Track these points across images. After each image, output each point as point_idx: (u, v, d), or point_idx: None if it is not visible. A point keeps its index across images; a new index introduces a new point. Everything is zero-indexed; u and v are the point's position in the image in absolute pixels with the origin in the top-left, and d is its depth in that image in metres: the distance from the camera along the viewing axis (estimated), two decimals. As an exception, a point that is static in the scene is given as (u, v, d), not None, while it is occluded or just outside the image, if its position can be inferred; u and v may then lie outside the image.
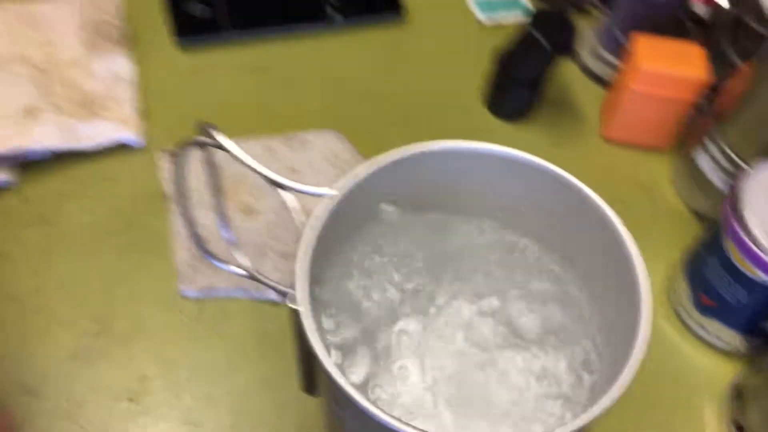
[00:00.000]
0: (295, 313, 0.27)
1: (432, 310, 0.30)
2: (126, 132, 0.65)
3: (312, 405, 0.48)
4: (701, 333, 0.61)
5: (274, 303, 0.59)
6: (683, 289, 0.61)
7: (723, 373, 0.60)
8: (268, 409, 0.54)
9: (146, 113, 0.69)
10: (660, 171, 0.73)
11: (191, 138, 0.31)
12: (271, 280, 0.37)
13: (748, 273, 0.54)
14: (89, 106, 0.67)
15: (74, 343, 0.56)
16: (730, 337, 0.60)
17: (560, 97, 0.77)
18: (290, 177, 0.65)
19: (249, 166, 0.30)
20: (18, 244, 0.60)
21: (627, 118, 0.71)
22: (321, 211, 0.27)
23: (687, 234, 0.66)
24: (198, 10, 0.76)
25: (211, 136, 0.30)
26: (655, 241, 0.66)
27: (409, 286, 0.32)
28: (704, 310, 0.60)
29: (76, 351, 0.56)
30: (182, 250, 0.60)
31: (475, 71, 0.74)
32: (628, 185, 0.71)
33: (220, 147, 0.30)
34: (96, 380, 0.54)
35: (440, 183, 0.30)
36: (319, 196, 0.28)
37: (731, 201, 0.55)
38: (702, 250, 0.59)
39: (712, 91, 0.68)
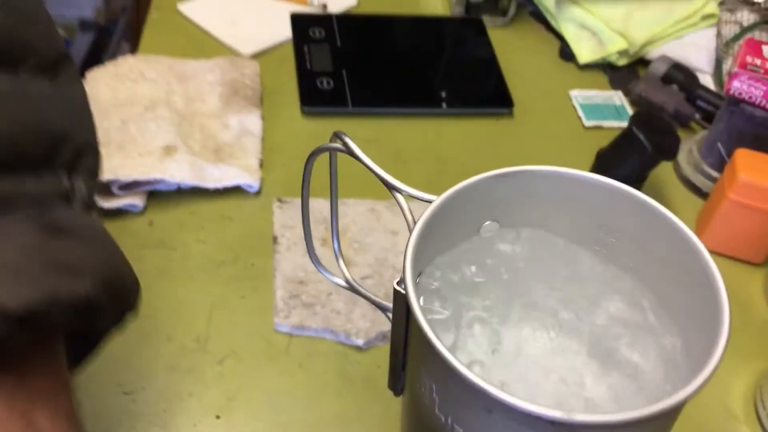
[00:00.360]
0: (398, 296, 0.30)
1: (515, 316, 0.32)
2: (247, 178, 0.72)
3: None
4: (785, 445, 0.59)
5: (358, 349, 0.62)
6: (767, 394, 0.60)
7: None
8: (339, 446, 0.56)
9: (266, 165, 0.75)
10: (754, 283, 0.73)
11: (324, 144, 0.36)
12: (368, 292, 0.40)
13: (838, 383, 0.53)
14: (219, 153, 0.74)
15: (173, 356, 0.60)
16: (816, 453, 0.58)
17: (657, 198, 0.79)
18: (390, 239, 0.70)
19: (370, 168, 0.34)
20: (138, 261, 0.65)
21: (722, 228, 0.72)
22: (426, 213, 0.30)
23: (779, 349, 0.65)
24: (324, 83, 0.83)
25: (342, 141, 0.34)
26: (744, 351, 0.66)
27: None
28: (789, 420, 0.58)
29: (174, 363, 0.60)
30: (282, 288, 0.64)
31: (575, 167, 0.78)
32: (719, 293, 0.71)
33: (348, 150, 0.34)
34: (189, 393, 0.58)
35: (539, 205, 0.33)
36: (427, 201, 0.31)
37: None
38: (791, 357, 0.59)
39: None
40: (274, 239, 0.68)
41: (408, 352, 0.30)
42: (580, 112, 0.87)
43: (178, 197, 0.71)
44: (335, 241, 0.45)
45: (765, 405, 0.61)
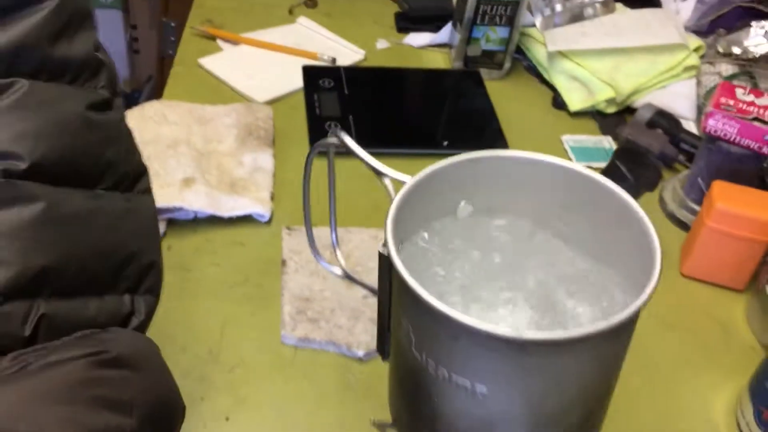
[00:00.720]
0: (382, 258, 0.35)
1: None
2: (259, 208, 0.78)
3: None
4: (764, 453, 0.62)
5: (359, 360, 0.66)
6: (747, 408, 0.63)
7: (785, 496, 0.60)
8: (340, 447, 0.60)
9: (277, 198, 0.81)
10: (736, 308, 0.77)
11: (323, 140, 0.42)
12: (367, 283, 0.45)
13: (806, 386, 0.57)
14: (234, 186, 0.80)
15: (187, 365, 0.65)
16: (793, 459, 0.61)
17: (643, 233, 0.84)
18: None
19: (360, 157, 0.39)
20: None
21: (703, 255, 0.77)
22: (403, 190, 0.36)
23: (758, 365, 0.69)
24: (332, 126, 0.90)
25: (338, 136, 0.40)
26: (726, 368, 0.70)
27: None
28: (766, 425, 0.61)
29: (188, 372, 0.64)
30: (289, 304, 0.69)
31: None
32: (703, 318, 0.76)
33: (343, 144, 0.40)
34: (201, 398, 0.62)
35: (507, 187, 0.38)
36: (404, 182, 0.37)
37: (792, 318, 0.59)
38: (766, 365, 0.62)
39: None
40: (283, 262, 0.74)
41: (391, 307, 0.35)
42: (571, 155, 0.93)
43: (195, 225, 0.77)
44: (333, 234, 0.50)
45: (744, 415, 0.64)
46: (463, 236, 0.39)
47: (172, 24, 1.83)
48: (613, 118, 0.99)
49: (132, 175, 0.44)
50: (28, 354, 0.35)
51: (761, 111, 0.79)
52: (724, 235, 0.75)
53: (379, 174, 0.39)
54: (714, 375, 0.70)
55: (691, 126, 0.96)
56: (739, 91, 0.81)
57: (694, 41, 1.01)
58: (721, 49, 1.00)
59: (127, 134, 0.45)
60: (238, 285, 0.72)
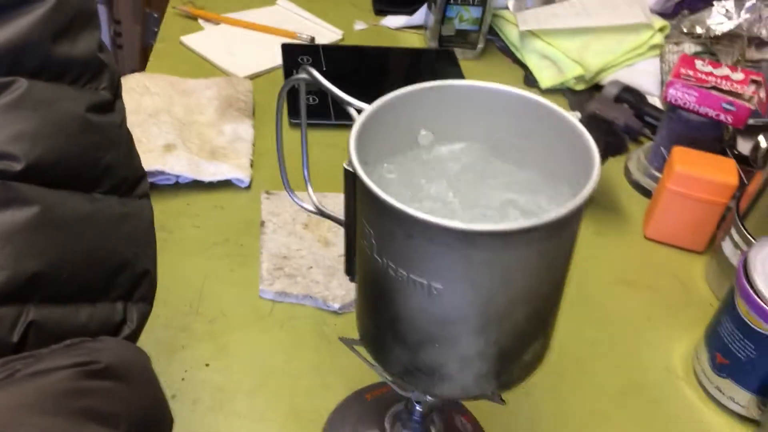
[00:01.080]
0: (347, 174, 0.38)
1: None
2: (239, 174, 0.80)
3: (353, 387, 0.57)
4: (718, 396, 0.66)
5: (334, 313, 0.69)
6: (703, 353, 0.67)
7: (737, 434, 0.64)
8: (315, 389, 0.63)
9: (256, 165, 0.84)
10: (696, 268, 0.80)
11: (294, 76, 0.45)
12: (336, 216, 0.48)
13: (756, 327, 0.61)
14: (214, 153, 0.83)
15: (168, 316, 0.67)
16: (744, 399, 0.64)
17: (609, 201, 0.88)
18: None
19: (328, 89, 0.42)
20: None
21: (664, 218, 0.81)
22: (365, 112, 0.39)
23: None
24: (310, 100, 0.93)
25: (308, 72, 0.43)
26: (685, 324, 0.73)
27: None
28: (720, 369, 0.65)
29: (169, 322, 0.67)
30: (267, 261, 0.72)
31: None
32: (665, 278, 0.79)
33: (313, 78, 0.43)
34: (182, 346, 0.65)
35: (465, 115, 0.41)
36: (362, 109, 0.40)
37: (743, 266, 0.63)
38: (719, 313, 0.66)
39: (739, 193, 0.77)
40: (262, 223, 0.76)
41: (356, 224, 0.38)
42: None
43: (176, 190, 0.80)
44: (305, 170, 0.53)
45: (700, 361, 0.68)
46: (424, 165, 0.41)
47: (155, 15, 1.86)
48: (582, 95, 1.03)
49: (131, 180, 0.43)
50: (16, 361, 0.34)
51: (719, 81, 0.82)
52: (684, 197, 0.78)
53: (344, 103, 0.41)
54: (673, 329, 0.73)
55: (656, 101, 1.00)
56: (698, 63, 0.85)
57: (659, 21, 1.05)
58: (684, 29, 1.04)
59: (128, 137, 0.44)
60: (219, 245, 0.75)
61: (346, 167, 0.38)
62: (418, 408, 0.47)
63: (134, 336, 0.42)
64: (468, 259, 0.33)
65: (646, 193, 0.89)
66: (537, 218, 0.32)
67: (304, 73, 0.43)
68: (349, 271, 0.44)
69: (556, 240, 0.34)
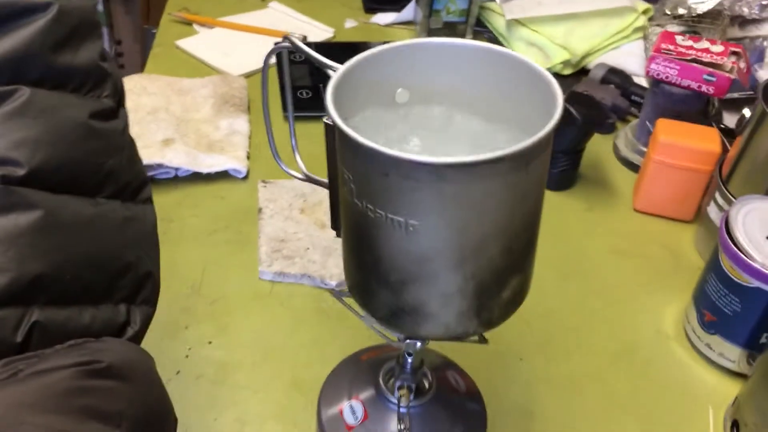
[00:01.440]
0: (327, 128, 0.40)
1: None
2: (236, 164, 0.83)
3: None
4: (708, 353, 0.67)
5: (332, 291, 0.71)
6: (692, 313, 0.69)
7: (728, 389, 0.65)
8: (315, 361, 0.65)
9: (253, 157, 0.86)
10: (685, 237, 0.82)
11: (277, 45, 0.47)
12: (322, 180, 0.50)
13: (739, 281, 0.62)
14: (211, 147, 0.85)
15: (171, 299, 0.69)
16: (733, 354, 0.66)
17: (599, 177, 0.90)
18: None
19: (309, 54, 0.44)
20: (141, 230, 0.76)
21: (652, 188, 0.83)
22: (341, 69, 0.41)
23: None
24: (303, 94, 0.96)
25: (290, 40, 0.45)
26: (675, 288, 0.75)
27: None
28: (708, 326, 0.66)
29: (171, 304, 0.69)
30: (265, 245, 0.74)
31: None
32: (655, 247, 0.81)
33: (295, 46, 0.45)
34: (185, 326, 0.67)
35: (440, 72, 0.43)
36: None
37: (725, 223, 0.65)
38: (705, 272, 0.68)
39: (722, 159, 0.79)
40: (259, 210, 0.79)
41: (338, 173, 0.40)
42: (530, 112, 0.99)
43: (176, 183, 0.82)
44: (292, 139, 0.55)
45: (689, 321, 0.69)
46: (399, 119, 0.44)
47: (153, 30, 1.89)
48: (570, 79, 1.05)
49: (134, 185, 0.44)
50: (19, 361, 0.35)
51: (699, 53, 0.85)
52: (669, 167, 0.80)
53: (324, 67, 0.44)
54: (664, 294, 0.75)
55: (642, 81, 1.02)
56: (678, 38, 0.87)
57: (642, 4, 1.08)
58: (668, 11, 1.06)
59: (130, 144, 0.45)
60: (219, 231, 0.77)
61: (326, 121, 0.40)
62: (409, 360, 0.49)
63: (138, 338, 0.43)
64: (440, 193, 0.35)
65: (635, 168, 0.91)
66: (502, 150, 0.34)
67: (287, 42, 0.45)
68: (335, 225, 0.46)
69: (522, 173, 0.36)
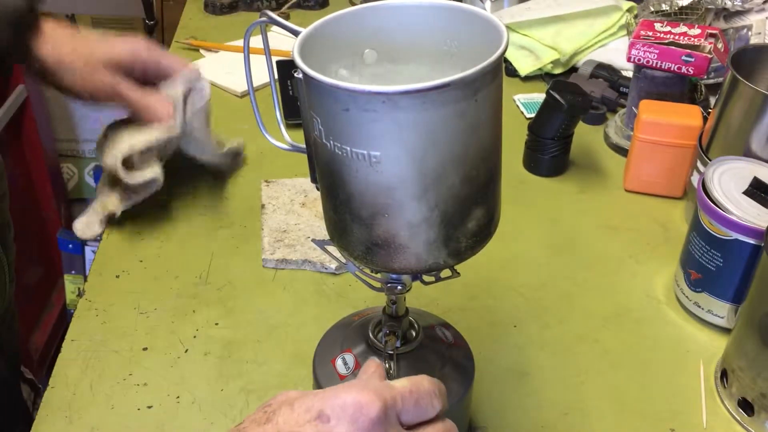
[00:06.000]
0: (299, 82, 0.44)
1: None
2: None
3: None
4: (697, 311, 0.69)
5: (332, 274, 0.75)
6: (680, 275, 0.71)
7: (719, 345, 0.67)
8: (317, 336, 0.68)
9: (257, 161, 0.91)
10: (675, 211, 0.84)
11: (256, 20, 0.52)
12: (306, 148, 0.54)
13: (718, 235, 0.65)
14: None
15: (180, 288, 0.73)
16: (722, 310, 0.68)
17: (590, 162, 0.93)
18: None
19: (282, 24, 0.49)
20: (150, 225, 0.81)
21: (639, 167, 0.85)
22: (309, 27, 0.45)
23: (692, 248, 0.76)
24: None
25: (268, 16, 0.50)
26: (665, 256, 0.77)
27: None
28: (694, 285, 0.69)
29: (181, 292, 0.73)
30: (268, 236, 0.78)
31: (518, 149, 0.92)
32: (646, 221, 0.83)
33: (272, 20, 0.50)
34: (193, 310, 0.71)
35: (405, 33, 0.47)
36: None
37: (702, 182, 0.67)
38: (688, 233, 0.70)
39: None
40: (262, 206, 0.83)
41: (311, 123, 0.44)
42: (522, 109, 1.02)
43: (180, 184, 0.87)
44: (277, 112, 0.59)
45: (678, 283, 0.71)
46: (370, 81, 0.48)
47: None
48: (560, 78, 1.09)
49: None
50: None
51: (677, 37, 0.88)
52: (654, 144, 0.83)
53: (296, 34, 0.48)
54: (655, 263, 0.77)
55: (629, 74, 1.05)
56: (657, 25, 0.91)
57: (627, 3, 1.12)
58: (652, 8, 1.10)
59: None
60: (224, 227, 0.81)
61: (295, 74, 0.44)
62: (393, 307, 0.52)
63: None
64: (397, 122, 0.39)
65: (625, 153, 0.93)
66: (449, 77, 0.38)
67: (264, 17, 0.50)
68: (314, 178, 0.50)
69: (471, 102, 0.40)
